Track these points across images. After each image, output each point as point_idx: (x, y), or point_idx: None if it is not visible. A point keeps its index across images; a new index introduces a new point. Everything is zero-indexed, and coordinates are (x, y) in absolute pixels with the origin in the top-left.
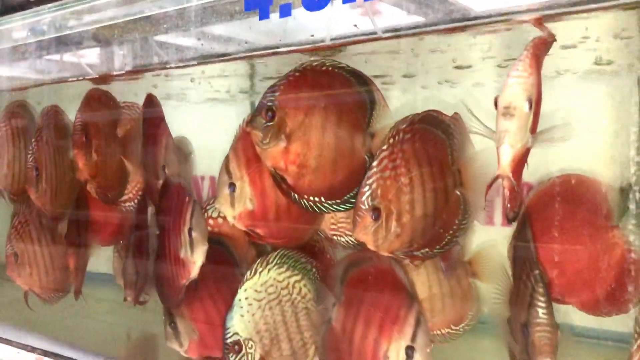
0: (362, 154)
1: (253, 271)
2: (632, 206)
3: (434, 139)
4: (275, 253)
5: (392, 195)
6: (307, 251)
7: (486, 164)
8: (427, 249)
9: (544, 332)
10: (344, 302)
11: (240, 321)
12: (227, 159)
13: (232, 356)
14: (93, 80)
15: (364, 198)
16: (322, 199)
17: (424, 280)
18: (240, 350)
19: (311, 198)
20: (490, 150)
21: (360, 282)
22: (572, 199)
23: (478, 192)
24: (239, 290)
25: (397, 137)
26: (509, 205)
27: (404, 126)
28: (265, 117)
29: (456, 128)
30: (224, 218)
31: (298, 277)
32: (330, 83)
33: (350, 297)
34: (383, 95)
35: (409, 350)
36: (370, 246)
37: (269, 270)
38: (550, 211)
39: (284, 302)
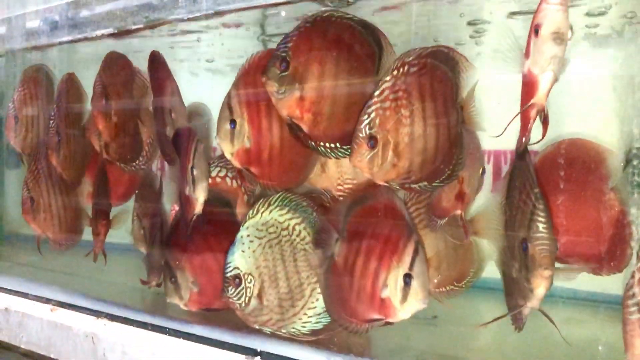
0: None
1: (255, 210)
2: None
3: (441, 75)
4: (278, 195)
5: (391, 126)
6: None
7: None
8: (425, 183)
9: (544, 245)
10: (346, 238)
11: (241, 257)
12: (228, 95)
13: (231, 289)
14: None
15: (361, 126)
16: (338, 145)
17: (430, 240)
18: (239, 284)
19: (327, 144)
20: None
21: (362, 218)
22: (574, 162)
23: (477, 126)
24: (241, 227)
25: (401, 70)
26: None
27: (409, 59)
28: (280, 67)
29: (464, 66)
30: (223, 177)
31: (298, 220)
32: (341, 33)
33: (352, 232)
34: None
35: (407, 277)
36: (365, 173)
37: (270, 210)
38: (554, 174)
39: (283, 242)
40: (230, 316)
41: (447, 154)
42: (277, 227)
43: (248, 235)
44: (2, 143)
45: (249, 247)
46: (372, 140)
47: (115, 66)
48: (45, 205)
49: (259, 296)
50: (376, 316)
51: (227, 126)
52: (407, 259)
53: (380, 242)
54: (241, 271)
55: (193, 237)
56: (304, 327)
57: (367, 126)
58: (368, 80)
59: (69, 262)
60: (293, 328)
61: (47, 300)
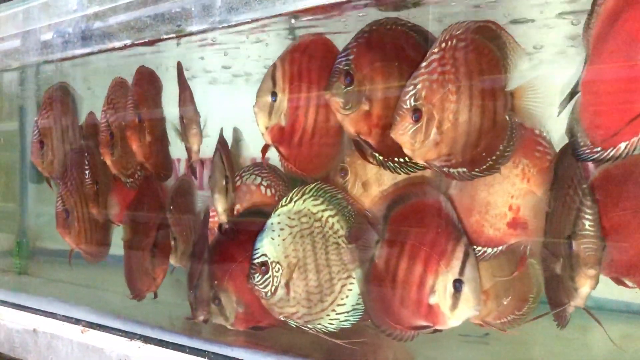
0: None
1: (289, 199)
2: None
3: (489, 54)
4: (313, 185)
5: (437, 100)
6: None
7: (542, 91)
8: (464, 169)
9: (590, 244)
10: (387, 239)
11: (270, 244)
12: (274, 66)
13: (257, 276)
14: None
15: (406, 97)
16: (407, 159)
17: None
18: (266, 272)
19: (397, 159)
20: (546, 77)
21: (405, 218)
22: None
23: (529, 120)
24: (272, 214)
25: (450, 43)
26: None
27: (458, 32)
28: (344, 81)
29: (512, 47)
30: (258, 185)
31: (332, 212)
32: (398, 40)
33: (394, 234)
34: None
35: (457, 283)
36: (406, 149)
37: (304, 200)
38: (617, 187)
39: (315, 233)
40: (277, 336)
41: (491, 142)
42: (309, 218)
43: (279, 223)
44: (26, 159)
45: (279, 235)
46: (417, 113)
47: (145, 82)
48: (79, 218)
49: (286, 286)
50: (423, 323)
51: (268, 98)
52: (456, 263)
53: (427, 244)
54: (269, 259)
55: (233, 255)
56: (331, 324)
57: (412, 97)
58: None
59: (99, 278)
60: (319, 324)
61: (77, 321)
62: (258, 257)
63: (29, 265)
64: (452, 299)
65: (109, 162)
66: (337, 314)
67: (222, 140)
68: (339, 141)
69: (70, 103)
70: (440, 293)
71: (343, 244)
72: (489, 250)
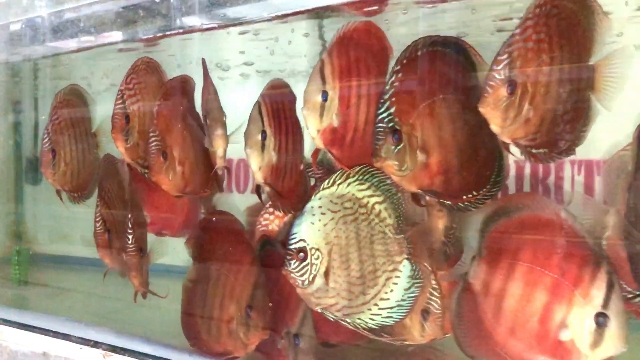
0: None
1: (331, 181)
2: None
3: (578, 24)
4: (359, 168)
5: (532, 72)
6: None
7: (623, 65)
8: (545, 150)
9: None
10: (486, 257)
11: (310, 228)
12: (322, 62)
13: (293, 263)
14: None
15: (500, 67)
16: (474, 193)
17: None
18: (304, 259)
19: (465, 197)
20: (628, 49)
21: (511, 234)
22: None
23: (608, 97)
24: (312, 197)
25: (544, 8)
26: None
27: None
28: (392, 141)
29: (600, 17)
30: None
31: (380, 199)
32: (437, 67)
33: (496, 252)
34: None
35: (601, 317)
36: (495, 125)
37: (348, 184)
38: None
39: (360, 220)
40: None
41: (571, 120)
42: (354, 203)
43: (320, 207)
44: (22, 157)
45: (319, 220)
46: (512, 85)
47: (176, 91)
48: (119, 236)
49: (326, 275)
50: None
51: (318, 98)
52: (597, 293)
53: (552, 268)
54: (307, 244)
55: None
56: (372, 319)
57: (508, 67)
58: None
59: (107, 287)
60: (359, 319)
61: (97, 344)
62: (296, 242)
63: (28, 273)
64: (592, 336)
65: (121, 149)
66: (379, 309)
67: (267, 95)
68: None
69: (81, 105)
70: (575, 328)
71: (390, 233)
72: None
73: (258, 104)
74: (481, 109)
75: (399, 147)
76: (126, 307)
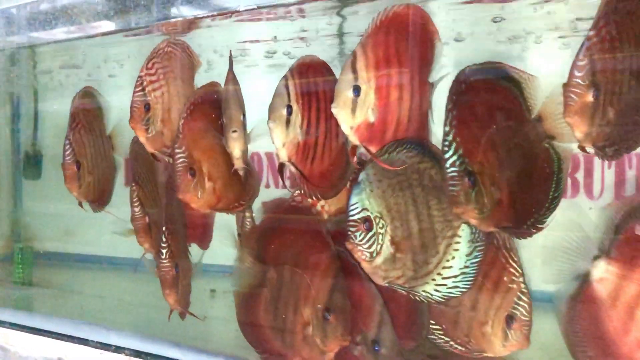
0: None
1: (383, 151)
2: None
3: None
4: (405, 139)
5: (609, 73)
6: None
7: None
8: (616, 147)
9: None
10: (618, 258)
11: (370, 196)
12: (354, 55)
13: (359, 234)
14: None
15: (582, 73)
16: (537, 216)
17: None
18: (370, 228)
19: (530, 222)
20: None
21: None
22: None
23: None
24: (365, 167)
25: (614, 6)
26: None
27: None
28: (469, 184)
29: None
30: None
31: (429, 165)
32: (485, 97)
33: (633, 253)
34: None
35: None
36: (581, 132)
37: (398, 152)
38: None
39: (415, 185)
40: None
41: (635, 117)
42: (406, 169)
43: (375, 174)
44: (20, 151)
45: (377, 187)
46: (597, 90)
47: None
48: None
49: (392, 245)
50: None
51: (350, 93)
52: None
53: None
54: (371, 213)
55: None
56: (437, 291)
57: (590, 71)
58: (528, 131)
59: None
60: (424, 291)
61: (118, 349)
62: (358, 212)
63: (31, 273)
64: None
65: (143, 139)
66: (443, 278)
67: (297, 70)
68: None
69: (99, 110)
70: None
71: (445, 198)
72: None
73: (285, 78)
74: (567, 119)
75: (475, 190)
76: (151, 310)
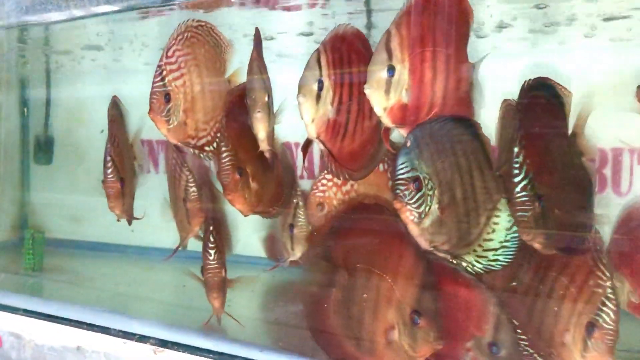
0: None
1: (425, 122)
2: None
3: None
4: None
5: None
6: None
7: None
8: None
9: None
10: None
11: (419, 156)
12: (388, 34)
13: (409, 194)
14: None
15: None
16: None
17: None
18: (419, 188)
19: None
20: None
21: None
22: None
23: None
24: (413, 130)
25: None
26: None
27: None
28: (538, 207)
29: None
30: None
31: (470, 136)
32: (553, 120)
33: None
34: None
35: None
36: None
37: (439, 123)
38: None
39: (459, 155)
40: None
41: None
42: (450, 138)
43: (423, 138)
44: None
45: (426, 150)
46: None
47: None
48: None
49: (440, 208)
50: None
51: (384, 73)
52: None
53: None
54: (420, 173)
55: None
56: (477, 262)
57: None
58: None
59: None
60: (465, 261)
61: (143, 338)
62: (408, 172)
63: (42, 260)
64: None
65: (163, 130)
66: (484, 250)
67: (332, 40)
68: (471, 112)
69: (124, 120)
70: None
71: (486, 170)
72: None
73: (317, 52)
74: None
75: (543, 215)
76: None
